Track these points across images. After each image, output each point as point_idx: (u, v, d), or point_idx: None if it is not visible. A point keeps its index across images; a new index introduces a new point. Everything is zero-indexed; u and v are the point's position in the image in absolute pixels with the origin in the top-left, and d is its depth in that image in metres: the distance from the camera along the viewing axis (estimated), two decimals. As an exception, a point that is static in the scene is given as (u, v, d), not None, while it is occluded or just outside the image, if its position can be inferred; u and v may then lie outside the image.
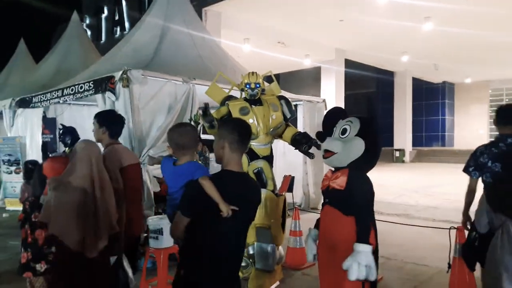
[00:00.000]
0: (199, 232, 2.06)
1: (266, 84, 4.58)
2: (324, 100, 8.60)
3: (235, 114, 4.08)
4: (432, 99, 25.12)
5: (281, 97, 4.28)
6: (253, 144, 4.11)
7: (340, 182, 2.62)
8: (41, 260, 2.80)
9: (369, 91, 23.90)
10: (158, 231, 3.70)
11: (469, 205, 3.27)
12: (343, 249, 2.53)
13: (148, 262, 4.03)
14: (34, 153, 6.84)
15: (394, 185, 11.34)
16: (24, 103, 7.06)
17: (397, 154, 21.41)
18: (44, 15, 21.52)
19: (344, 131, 2.73)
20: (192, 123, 5.11)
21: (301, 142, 4.09)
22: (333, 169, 2.80)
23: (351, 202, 2.56)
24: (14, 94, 7.71)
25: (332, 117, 2.98)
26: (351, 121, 2.76)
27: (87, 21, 16.31)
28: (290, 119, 4.30)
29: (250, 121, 4.03)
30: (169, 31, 6.63)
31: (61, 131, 5.92)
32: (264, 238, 3.95)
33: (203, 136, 6.03)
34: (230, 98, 4.23)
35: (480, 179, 3.12)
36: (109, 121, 3.45)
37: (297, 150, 4.22)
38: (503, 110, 3.16)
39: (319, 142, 3.78)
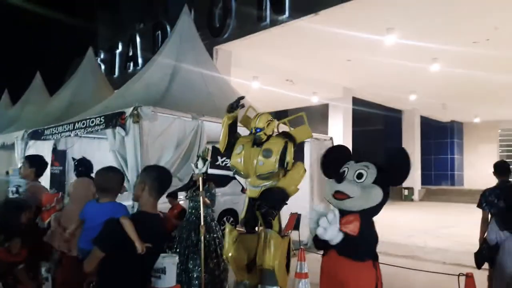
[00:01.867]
0: (113, 266, 2.29)
1: (281, 127, 4.47)
2: (331, 138, 8.65)
3: (235, 150, 4.17)
4: (441, 138, 25.07)
5: (288, 144, 4.05)
6: (247, 183, 4.18)
7: (353, 227, 2.60)
8: None
9: (376, 128, 23.97)
10: (161, 270, 3.66)
11: (484, 233, 4.22)
12: None
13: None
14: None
15: (402, 225, 11.16)
16: (36, 135, 7.18)
17: (405, 192, 21.16)
18: (60, 50, 22.23)
19: (360, 176, 2.71)
20: (200, 159, 5.14)
21: (258, 204, 3.93)
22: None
23: (362, 247, 2.60)
24: (27, 126, 7.85)
25: (339, 156, 3.01)
26: (367, 167, 2.75)
27: (102, 56, 16.83)
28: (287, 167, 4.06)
29: (238, 160, 4.10)
30: (180, 70, 6.79)
31: (76, 163, 6.01)
32: (268, 280, 3.89)
33: (210, 171, 6.07)
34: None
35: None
36: (38, 164, 4.47)
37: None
38: (496, 165, 4.55)
39: (271, 212, 3.86)
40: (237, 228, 4.44)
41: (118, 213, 2.42)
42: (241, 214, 4.31)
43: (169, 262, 3.70)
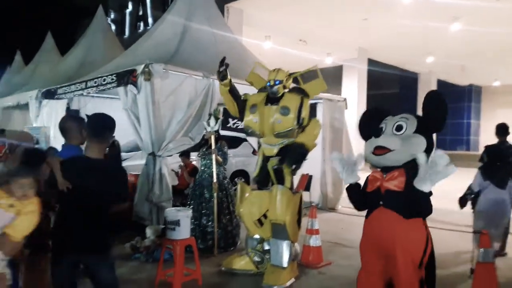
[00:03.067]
0: (60, 204, 2.59)
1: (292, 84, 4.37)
2: (345, 99, 8.50)
3: (247, 109, 4.12)
4: (458, 102, 24.55)
5: (304, 99, 4.00)
6: (262, 142, 4.15)
7: (398, 183, 2.48)
8: None
9: (391, 92, 23.54)
10: (176, 222, 3.74)
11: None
12: (402, 257, 2.44)
13: (165, 253, 4.08)
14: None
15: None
16: (50, 95, 7.23)
17: (419, 157, 20.98)
18: (70, 9, 21.94)
19: (399, 128, 2.57)
20: (212, 117, 5.13)
21: (280, 159, 3.99)
22: (377, 169, 2.64)
23: (412, 203, 2.44)
24: (40, 86, 7.90)
25: (375, 115, 2.83)
26: (406, 118, 2.60)
27: (112, 16, 16.55)
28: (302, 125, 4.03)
29: (254, 120, 4.04)
30: (190, 28, 6.65)
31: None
32: (279, 234, 3.94)
33: (222, 132, 6.08)
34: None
35: None
36: None
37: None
38: (497, 126, 5.24)
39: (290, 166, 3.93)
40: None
41: (61, 155, 2.72)
42: (254, 173, 4.34)
43: (183, 215, 3.79)
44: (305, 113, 3.96)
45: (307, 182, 7.70)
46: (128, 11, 15.89)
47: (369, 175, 2.70)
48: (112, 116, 2.77)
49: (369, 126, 2.77)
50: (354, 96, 15.03)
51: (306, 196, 7.54)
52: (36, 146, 4.24)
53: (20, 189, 2.12)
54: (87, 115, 2.88)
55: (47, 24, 12.71)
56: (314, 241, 4.71)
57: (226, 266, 4.36)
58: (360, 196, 2.73)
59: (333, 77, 17.69)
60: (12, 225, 1.98)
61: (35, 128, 7.35)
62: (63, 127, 3.20)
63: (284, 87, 4.09)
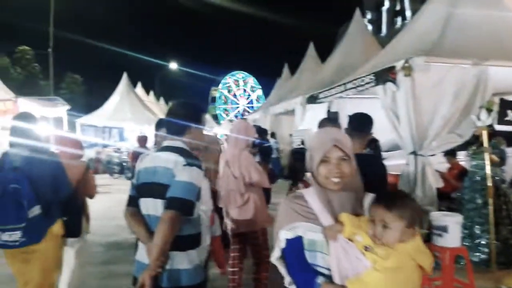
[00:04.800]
0: None
1: None
2: None
3: None
4: None
5: None
6: None
7: None
8: None
9: None
10: (443, 228, 3.40)
11: None
12: None
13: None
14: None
15: None
16: (312, 99, 7.93)
17: None
18: (329, 17, 23.76)
19: None
20: (484, 110, 4.45)
21: None
22: None
23: None
24: (304, 92, 8.79)
25: None
26: None
27: (368, 16, 16.85)
28: None
29: None
30: (455, 14, 5.97)
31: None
32: None
33: (497, 127, 5.23)
34: None
35: None
36: None
37: None
38: None
39: None
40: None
41: None
42: None
43: (451, 221, 3.41)
44: None
45: None
46: (384, 8, 15.83)
47: None
48: (369, 114, 2.97)
49: None
50: None
51: None
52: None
53: (381, 225, 1.31)
54: (348, 116, 3.07)
55: (309, 36, 14.07)
56: None
57: (508, 285, 3.67)
58: None
59: None
60: (358, 279, 1.26)
61: (300, 131, 8.22)
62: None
63: None
